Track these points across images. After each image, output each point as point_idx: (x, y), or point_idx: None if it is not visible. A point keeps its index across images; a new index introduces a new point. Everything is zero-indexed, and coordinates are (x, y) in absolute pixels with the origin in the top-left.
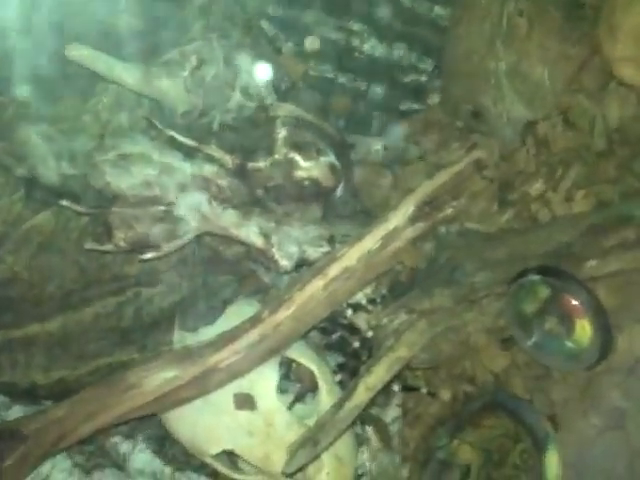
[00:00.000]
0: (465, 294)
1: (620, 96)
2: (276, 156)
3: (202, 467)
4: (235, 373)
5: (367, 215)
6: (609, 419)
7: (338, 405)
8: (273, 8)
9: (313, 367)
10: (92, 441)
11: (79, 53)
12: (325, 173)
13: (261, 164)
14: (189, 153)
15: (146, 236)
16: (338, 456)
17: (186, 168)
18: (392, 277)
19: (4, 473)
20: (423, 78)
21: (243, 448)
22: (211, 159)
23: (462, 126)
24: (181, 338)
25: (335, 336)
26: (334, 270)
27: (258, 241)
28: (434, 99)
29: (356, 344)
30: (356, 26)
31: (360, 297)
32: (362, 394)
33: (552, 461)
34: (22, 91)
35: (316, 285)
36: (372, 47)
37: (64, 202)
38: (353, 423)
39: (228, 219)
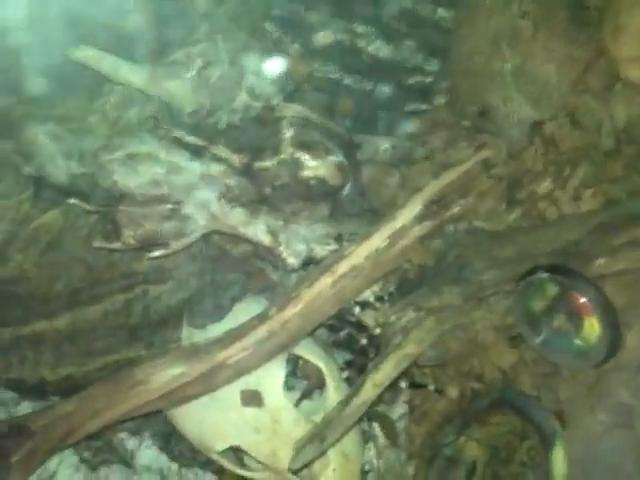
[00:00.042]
0: (473, 292)
1: (626, 96)
2: (283, 155)
3: (208, 463)
4: (242, 370)
5: (374, 214)
6: (617, 416)
7: (345, 402)
8: (278, 9)
9: (320, 364)
10: (99, 437)
11: (84, 54)
12: (332, 172)
13: (268, 163)
14: (196, 152)
15: (154, 234)
16: (344, 452)
17: (194, 167)
18: (400, 275)
19: (12, 468)
20: (429, 79)
21: (249, 444)
22: (218, 158)
23: (469, 126)
24: (189, 335)
25: (343, 333)
26: (342, 268)
27: (266, 239)
28: (440, 100)
29: (364, 341)
30: (361, 28)
31: (368, 295)
32: (369, 391)
33: (559, 458)
34: (30, 90)
35: (324, 283)
36: (378, 48)
37: (72, 201)
38: (360, 420)
39: (236, 217)
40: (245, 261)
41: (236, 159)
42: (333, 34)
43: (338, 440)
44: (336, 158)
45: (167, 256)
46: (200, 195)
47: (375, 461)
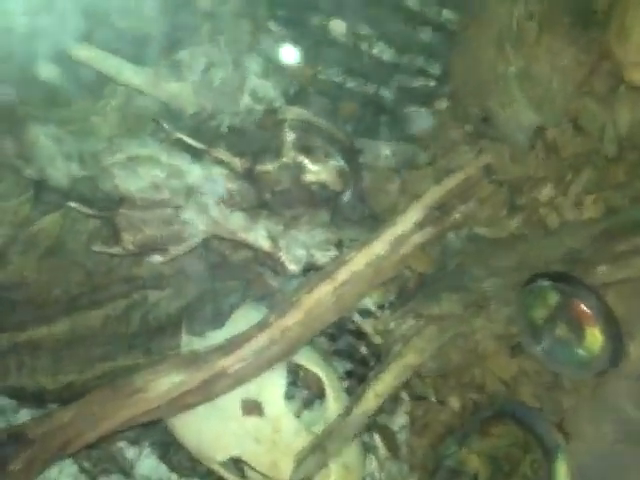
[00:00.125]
0: (474, 300)
1: (630, 100)
2: (284, 159)
3: (208, 474)
4: (242, 378)
5: (375, 220)
6: (621, 428)
7: (346, 412)
8: (282, 10)
9: (320, 373)
10: (99, 447)
11: (86, 54)
12: (333, 177)
13: (269, 167)
14: (197, 156)
15: (154, 239)
16: (345, 464)
17: (194, 171)
18: (400, 283)
19: (11, 477)
20: (432, 83)
21: (250, 455)
22: (220, 162)
23: (471, 131)
24: (188, 342)
25: (343, 342)
26: (343, 274)
27: (266, 245)
28: (442, 104)
29: (364, 350)
30: (365, 30)
31: (368, 303)
32: (370, 401)
33: (562, 472)
34: (31, 91)
35: (324, 289)
36: (380, 51)
37: (73, 204)
38: (361, 430)
39: (236, 222)
40: (245, 267)
41: (237, 162)
42: (345, 22)
43: (339, 451)
44: (337, 163)
45: (166, 261)
46: (200, 199)
47: (376, 473)
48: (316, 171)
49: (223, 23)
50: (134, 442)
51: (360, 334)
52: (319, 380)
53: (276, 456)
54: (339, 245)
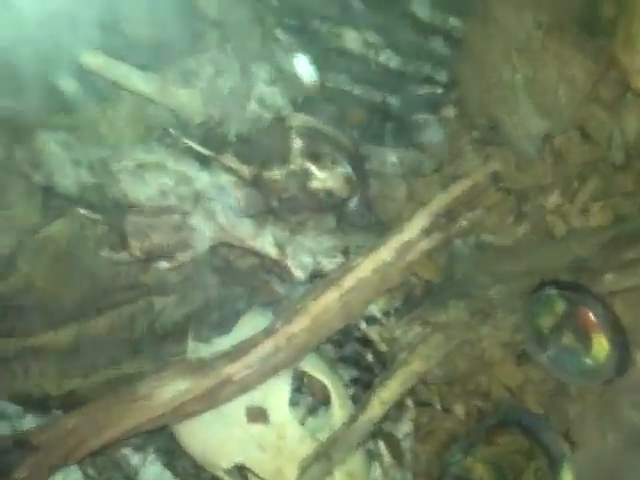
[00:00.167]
0: (481, 307)
1: (637, 108)
2: (291, 166)
3: None
4: (248, 385)
5: (381, 226)
6: (628, 438)
7: (351, 419)
8: (289, 18)
9: (326, 380)
10: (103, 453)
11: (95, 61)
12: (340, 184)
13: (277, 174)
14: (205, 163)
15: (161, 245)
16: (350, 472)
17: (202, 178)
18: (406, 290)
19: None
20: (438, 90)
21: (254, 462)
22: (227, 169)
23: (478, 138)
24: (194, 348)
25: (349, 349)
26: (349, 281)
27: (273, 251)
28: (449, 111)
29: (369, 358)
30: (372, 38)
31: (374, 309)
32: (376, 408)
33: None
34: (40, 99)
35: (331, 296)
36: (387, 59)
37: (81, 210)
38: (366, 438)
39: (243, 229)
40: (251, 274)
41: (245, 170)
42: (361, 35)
43: (344, 459)
44: (344, 170)
45: (173, 268)
46: (208, 206)
47: None
48: (323, 178)
49: (231, 31)
50: (139, 449)
51: (366, 341)
52: (324, 387)
53: (280, 463)
54: (345, 252)
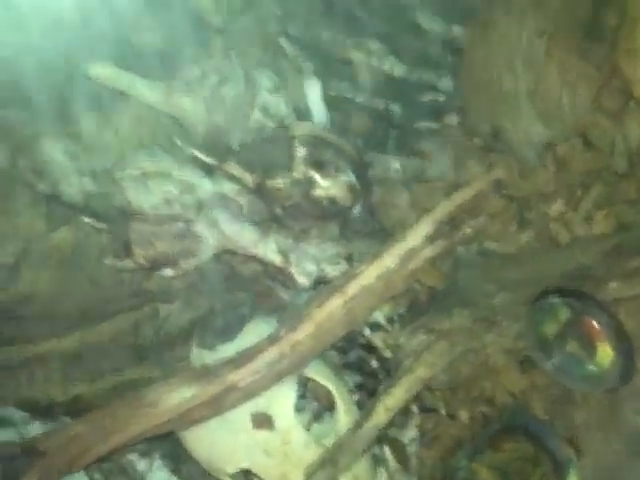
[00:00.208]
0: (485, 315)
1: None
2: (295, 174)
3: None
4: (253, 392)
5: (385, 233)
6: (632, 444)
7: (357, 426)
8: (293, 27)
9: (330, 386)
10: (109, 459)
11: (102, 72)
12: (344, 192)
13: (280, 182)
14: (209, 171)
15: (165, 253)
16: (355, 477)
17: (206, 186)
18: (410, 297)
19: None
20: (441, 98)
21: (260, 467)
22: (231, 177)
23: (481, 145)
24: (199, 355)
25: (353, 355)
26: (353, 288)
27: (276, 259)
28: (452, 118)
29: (374, 364)
30: (375, 46)
31: (378, 316)
32: (381, 415)
33: None
34: (45, 107)
35: (335, 303)
36: (391, 67)
37: (86, 219)
38: (371, 444)
39: (247, 237)
40: (255, 280)
41: (249, 178)
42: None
43: (350, 465)
44: (348, 178)
45: (177, 275)
46: (211, 214)
47: None
48: (326, 186)
49: (235, 39)
50: (145, 454)
51: (370, 348)
52: (329, 393)
53: (286, 468)
54: (349, 259)
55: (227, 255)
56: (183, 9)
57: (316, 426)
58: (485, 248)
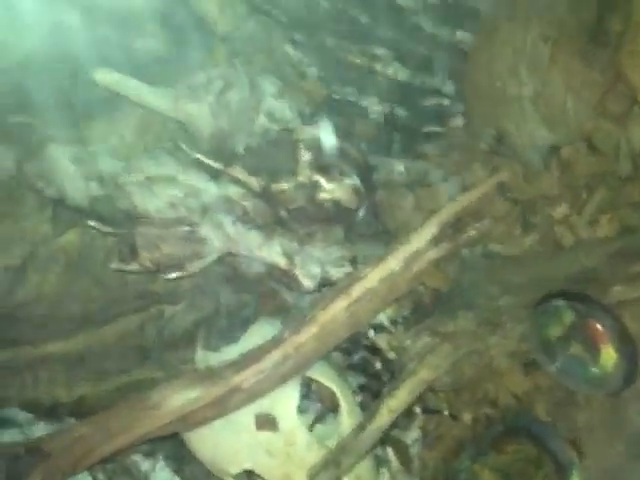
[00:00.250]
0: (489, 317)
1: None
2: (300, 178)
3: None
4: (257, 393)
5: (389, 236)
6: (636, 447)
7: (360, 427)
8: (298, 33)
9: (334, 387)
10: (113, 459)
11: (108, 77)
12: (348, 195)
13: (285, 186)
14: (214, 175)
15: (171, 256)
16: (358, 478)
17: (211, 189)
18: (414, 299)
19: None
20: (445, 101)
21: (263, 468)
22: (236, 181)
23: (485, 149)
24: (203, 357)
25: (357, 357)
26: (357, 290)
27: (281, 261)
28: (456, 122)
29: (378, 365)
30: (379, 51)
31: (382, 318)
32: (384, 416)
33: None
34: (52, 114)
35: (339, 305)
36: (395, 71)
37: (91, 223)
38: (374, 445)
39: (252, 240)
40: (259, 282)
41: (254, 182)
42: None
43: (353, 466)
44: (352, 181)
45: (183, 278)
46: (216, 217)
47: None
48: (331, 189)
49: (240, 45)
50: (148, 455)
51: (374, 349)
52: (333, 394)
53: (289, 469)
54: (353, 261)
55: (231, 257)
56: (188, 16)
57: (319, 427)
58: (489, 250)
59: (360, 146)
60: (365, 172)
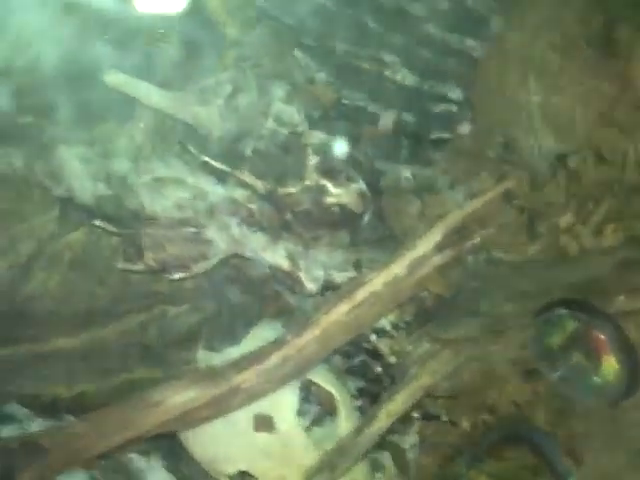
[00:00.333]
0: (492, 324)
1: None
2: (307, 182)
3: None
4: (257, 394)
5: (394, 241)
6: (634, 457)
7: (358, 430)
8: (308, 38)
9: (333, 391)
10: (109, 457)
11: (118, 79)
12: (354, 199)
13: (292, 189)
14: (222, 177)
15: (176, 257)
16: None
17: (218, 192)
18: (417, 304)
19: None
20: (454, 108)
21: (259, 469)
22: (243, 184)
23: (492, 156)
24: (205, 358)
25: (357, 360)
26: (360, 295)
27: (285, 264)
28: (464, 129)
29: (378, 369)
30: (388, 57)
31: (384, 323)
32: (383, 420)
33: None
34: (61, 115)
35: (342, 309)
36: (404, 77)
37: (98, 222)
38: (371, 449)
39: (257, 242)
40: (263, 285)
41: (261, 185)
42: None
43: (348, 470)
44: (359, 186)
45: (187, 279)
46: (222, 219)
47: None
48: (337, 194)
49: (249, 50)
50: (145, 453)
51: (375, 353)
52: (332, 397)
53: (285, 471)
54: (357, 265)
55: (236, 259)
56: (199, 20)
57: (317, 430)
58: (493, 257)
59: (368, 151)
60: (372, 177)
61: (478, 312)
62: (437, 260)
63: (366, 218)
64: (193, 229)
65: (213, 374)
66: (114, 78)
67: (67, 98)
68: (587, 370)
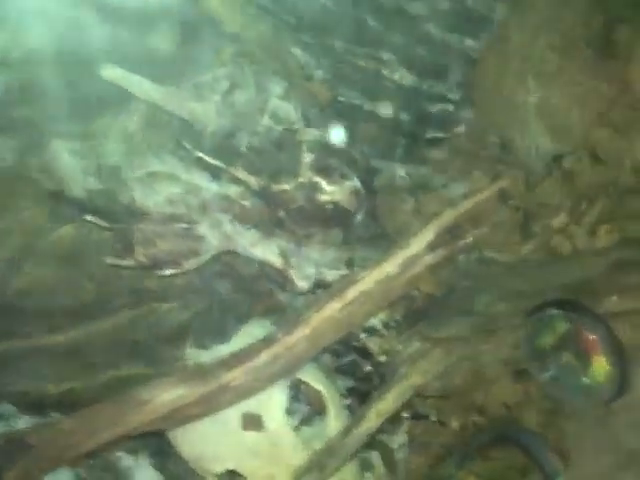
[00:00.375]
0: (483, 324)
1: None
2: (301, 179)
3: None
4: (246, 392)
5: (387, 239)
6: (622, 459)
7: (347, 430)
8: (305, 35)
9: (322, 389)
10: (96, 455)
11: (114, 73)
12: (348, 197)
13: (286, 186)
14: (216, 173)
15: (167, 253)
16: None
17: (211, 188)
18: (407, 303)
19: None
20: (450, 108)
21: (247, 468)
22: (237, 180)
23: (488, 156)
24: (194, 355)
25: (347, 359)
26: (352, 293)
27: (277, 261)
28: (460, 128)
29: (368, 368)
30: (386, 55)
31: (375, 321)
32: (372, 420)
33: None
34: (56, 108)
35: (333, 307)
36: (401, 76)
37: (89, 217)
38: (360, 449)
39: (249, 239)
40: (254, 282)
41: (254, 181)
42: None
43: (338, 469)
44: (353, 184)
45: (177, 275)
46: (214, 215)
47: None
48: (331, 192)
49: (247, 46)
50: (132, 451)
51: (365, 352)
52: (321, 396)
53: (273, 470)
54: (349, 263)
55: (227, 256)
56: (196, 15)
57: (305, 429)
58: (485, 257)
59: (363, 149)
60: (367, 175)
61: (469, 311)
62: (429, 259)
63: (359, 216)
64: (185, 225)
65: (202, 372)
66: (111, 72)
67: (61, 91)
68: (577, 370)
